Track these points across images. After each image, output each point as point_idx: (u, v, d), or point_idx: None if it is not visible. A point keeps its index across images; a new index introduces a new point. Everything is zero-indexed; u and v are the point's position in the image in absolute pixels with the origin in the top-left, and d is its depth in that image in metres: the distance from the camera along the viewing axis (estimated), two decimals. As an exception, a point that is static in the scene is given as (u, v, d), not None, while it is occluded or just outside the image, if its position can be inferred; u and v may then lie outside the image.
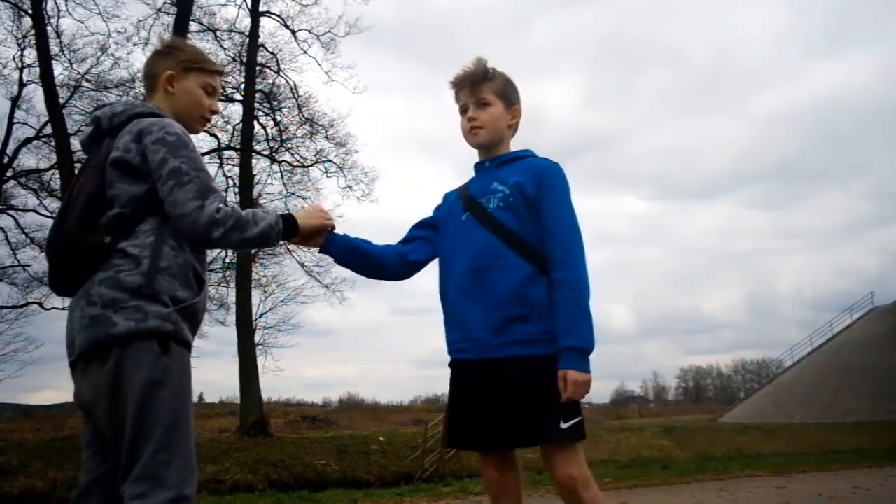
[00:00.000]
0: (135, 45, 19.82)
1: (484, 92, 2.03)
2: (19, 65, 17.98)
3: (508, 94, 2.06)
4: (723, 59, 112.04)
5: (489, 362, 1.86)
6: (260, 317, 20.08)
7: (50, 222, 16.31)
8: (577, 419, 1.79)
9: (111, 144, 1.73)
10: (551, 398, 1.77)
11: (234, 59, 19.72)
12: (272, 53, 20.05)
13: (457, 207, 2.06)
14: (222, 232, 1.64)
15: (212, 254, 20.05)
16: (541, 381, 1.80)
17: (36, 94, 18.30)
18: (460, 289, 1.94)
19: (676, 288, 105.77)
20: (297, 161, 20.57)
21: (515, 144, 2.15)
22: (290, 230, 1.83)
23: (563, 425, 1.76)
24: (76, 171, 1.85)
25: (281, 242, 1.82)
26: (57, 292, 1.78)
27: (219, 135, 19.98)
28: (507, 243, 1.90)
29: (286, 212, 1.85)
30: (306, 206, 1.81)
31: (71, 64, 17.87)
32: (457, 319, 1.95)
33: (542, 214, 1.91)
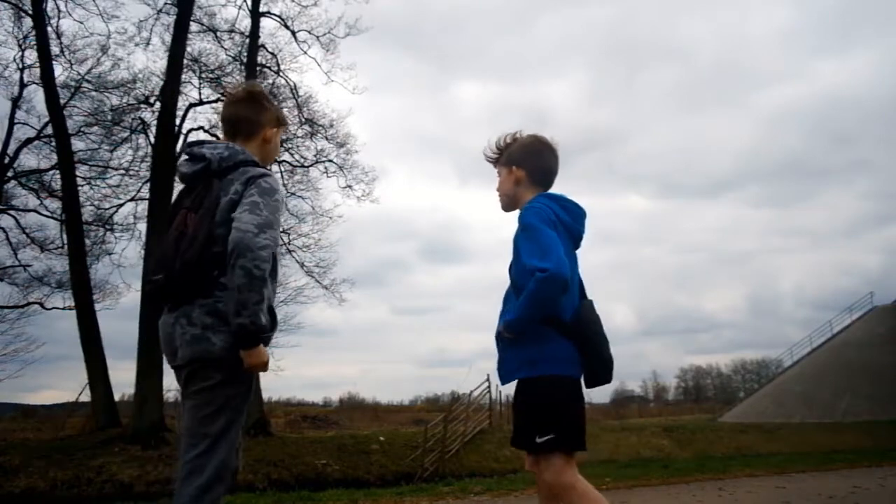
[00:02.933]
0: (136, 45, 19.85)
1: (497, 168, 2.47)
2: (20, 65, 18.03)
3: (510, 159, 2.40)
4: (727, 56, 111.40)
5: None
6: (260, 317, 20.09)
7: (50, 222, 16.09)
8: (550, 436, 2.08)
9: (219, 186, 2.05)
10: (530, 415, 2.14)
11: (234, 60, 19.76)
12: (272, 54, 20.09)
13: None
14: (249, 260, 1.89)
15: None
16: (522, 400, 2.18)
17: (37, 94, 18.36)
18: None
19: (678, 287, 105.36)
20: (297, 161, 20.60)
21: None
22: (260, 332, 1.93)
23: (538, 440, 2.09)
24: (178, 200, 2.18)
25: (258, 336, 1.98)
26: (162, 302, 2.09)
27: (219, 135, 20.00)
28: (515, 290, 2.23)
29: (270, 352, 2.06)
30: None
31: (71, 65, 17.94)
32: None
33: None
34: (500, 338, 2.22)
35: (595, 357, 2.16)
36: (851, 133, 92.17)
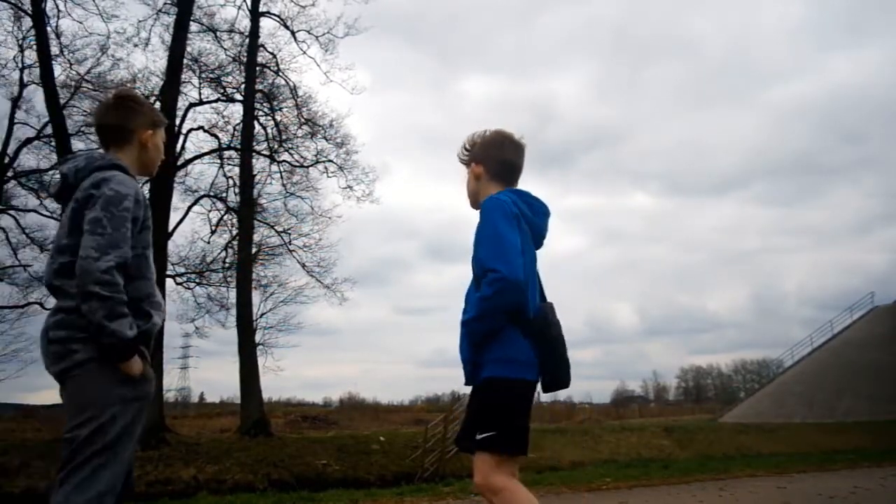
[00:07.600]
0: (135, 45, 19.85)
1: (466, 170, 2.42)
2: (20, 65, 17.98)
3: (472, 156, 2.38)
4: (735, 52, 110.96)
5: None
6: (260, 317, 20.10)
7: (51, 222, 16.01)
8: (491, 433, 2.03)
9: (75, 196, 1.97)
10: (475, 413, 2.11)
11: (234, 60, 19.75)
12: (272, 54, 20.09)
13: None
14: (93, 285, 1.83)
15: (212, 254, 20.08)
16: (473, 398, 2.16)
17: (36, 94, 18.30)
18: None
19: (682, 286, 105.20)
20: (297, 161, 20.59)
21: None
22: (129, 350, 1.89)
23: (478, 436, 2.04)
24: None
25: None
26: None
27: (219, 135, 19.98)
28: (476, 283, 2.17)
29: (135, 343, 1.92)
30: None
31: (71, 65, 17.88)
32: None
33: None
34: (465, 336, 2.15)
35: (557, 360, 2.15)
36: (860, 130, 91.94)
